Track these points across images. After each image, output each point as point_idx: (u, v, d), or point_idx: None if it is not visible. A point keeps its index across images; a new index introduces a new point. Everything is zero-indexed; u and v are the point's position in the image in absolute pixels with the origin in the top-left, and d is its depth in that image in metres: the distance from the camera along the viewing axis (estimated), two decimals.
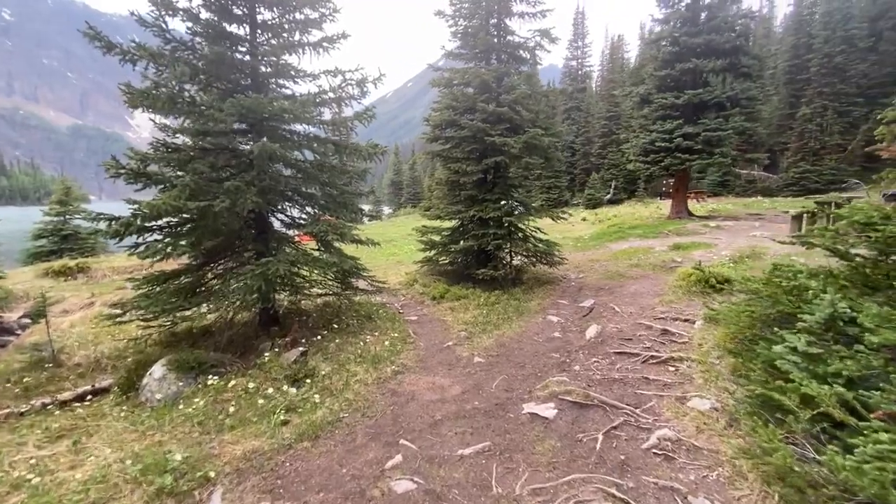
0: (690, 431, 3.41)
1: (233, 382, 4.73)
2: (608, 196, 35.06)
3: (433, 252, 9.51)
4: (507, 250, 8.93)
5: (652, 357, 4.94)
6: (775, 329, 3.55)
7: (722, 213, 19.31)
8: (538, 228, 9.26)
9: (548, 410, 3.99)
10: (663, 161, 16.58)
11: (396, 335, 6.32)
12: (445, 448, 3.54)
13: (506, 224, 8.58)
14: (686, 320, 5.91)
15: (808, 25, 30.56)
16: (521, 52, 9.34)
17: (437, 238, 9.47)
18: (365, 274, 7.14)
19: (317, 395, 4.47)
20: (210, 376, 4.87)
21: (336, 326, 6.48)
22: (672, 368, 4.63)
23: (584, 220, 22.68)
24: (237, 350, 5.78)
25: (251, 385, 4.66)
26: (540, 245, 8.76)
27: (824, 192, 26.17)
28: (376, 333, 6.36)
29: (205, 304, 5.67)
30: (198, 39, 5.73)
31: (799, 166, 27.53)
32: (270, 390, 4.52)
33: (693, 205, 21.31)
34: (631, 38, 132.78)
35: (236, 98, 5.02)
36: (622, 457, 3.21)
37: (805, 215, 10.82)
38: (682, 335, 5.44)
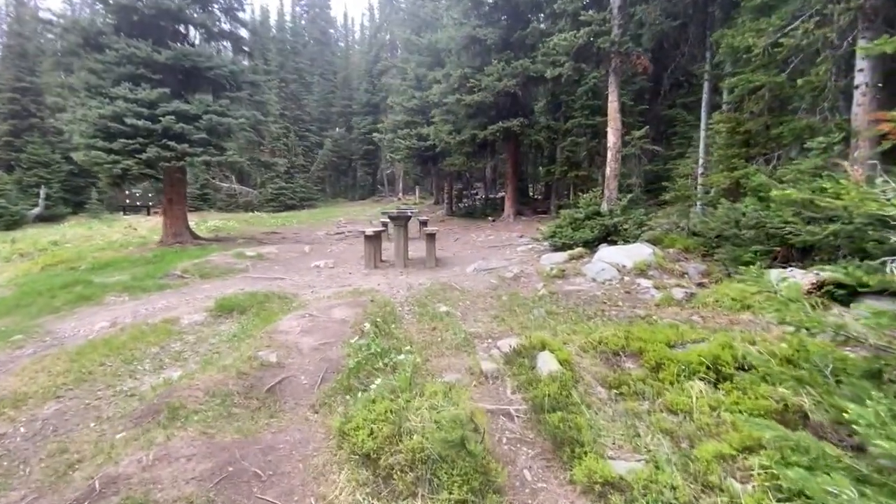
0: None
1: None
2: (36, 210, 22.24)
3: None
4: None
5: None
6: None
7: (230, 232, 14.93)
8: None
9: None
10: (145, 151, 9.90)
11: None
12: None
13: None
14: None
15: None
16: None
17: None
18: None
19: None
20: None
21: None
22: None
23: None
24: None
25: None
26: None
27: (300, 207, 27.85)
28: None
29: None
30: None
31: (275, 183, 27.87)
32: None
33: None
34: None
35: None
36: None
37: (379, 235, 8.39)
38: None
